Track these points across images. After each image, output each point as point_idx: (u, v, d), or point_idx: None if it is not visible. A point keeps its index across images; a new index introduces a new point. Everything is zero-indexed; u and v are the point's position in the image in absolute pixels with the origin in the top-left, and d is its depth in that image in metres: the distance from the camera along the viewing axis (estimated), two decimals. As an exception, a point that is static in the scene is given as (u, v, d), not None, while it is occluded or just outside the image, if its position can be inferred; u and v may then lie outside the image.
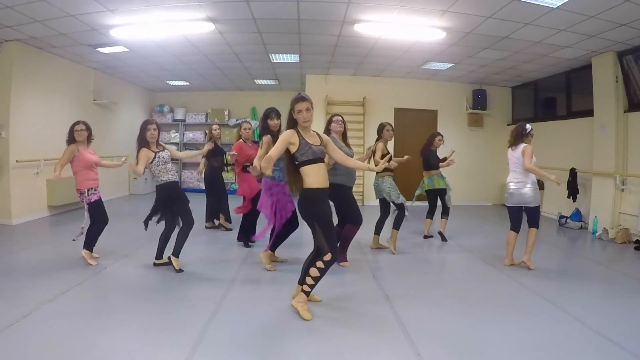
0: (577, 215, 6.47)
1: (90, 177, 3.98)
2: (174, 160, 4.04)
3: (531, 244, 4.11)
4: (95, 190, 4.01)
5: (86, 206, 4.00)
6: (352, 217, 3.98)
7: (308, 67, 7.71)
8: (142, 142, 3.75)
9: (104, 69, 7.73)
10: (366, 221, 6.91)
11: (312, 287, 2.88)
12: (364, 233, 5.64)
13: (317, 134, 2.96)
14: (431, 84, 8.63)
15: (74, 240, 4.21)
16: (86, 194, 3.95)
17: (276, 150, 2.74)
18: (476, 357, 2.39)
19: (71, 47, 6.05)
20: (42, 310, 2.86)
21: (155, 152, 3.76)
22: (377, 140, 4.65)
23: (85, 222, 4.08)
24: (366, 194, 8.56)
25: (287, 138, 2.77)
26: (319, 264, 2.82)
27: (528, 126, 4.12)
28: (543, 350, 2.46)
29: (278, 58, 7.01)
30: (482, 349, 2.48)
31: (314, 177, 2.80)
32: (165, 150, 3.91)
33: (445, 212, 5.30)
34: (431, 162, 5.20)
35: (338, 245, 4.06)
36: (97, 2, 4.34)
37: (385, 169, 4.55)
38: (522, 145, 4.03)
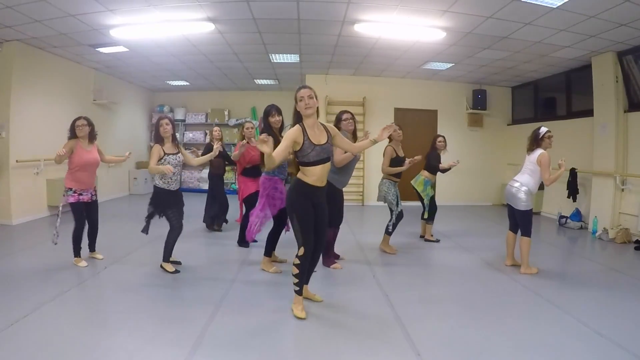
0: (577, 215, 6.47)
1: (77, 178, 3.87)
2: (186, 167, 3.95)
3: (525, 253, 3.97)
4: (75, 192, 3.86)
5: (60, 205, 3.91)
6: (335, 219, 3.90)
7: (308, 67, 7.71)
8: (157, 138, 3.74)
9: (104, 69, 7.74)
10: (366, 222, 6.96)
11: (298, 284, 2.88)
12: (364, 234, 5.65)
13: (325, 127, 2.87)
14: (431, 84, 8.63)
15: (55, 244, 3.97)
16: (65, 192, 3.87)
17: (280, 152, 2.68)
18: (476, 357, 2.39)
19: (71, 47, 6.06)
20: (42, 310, 2.86)
21: (166, 153, 3.69)
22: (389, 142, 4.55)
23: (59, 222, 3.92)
24: (366, 194, 8.56)
25: (293, 137, 2.72)
26: (295, 260, 2.84)
27: (542, 129, 3.94)
28: (543, 350, 2.46)
29: (278, 58, 7.01)
30: (482, 348, 2.48)
31: (311, 175, 2.78)
32: (179, 155, 3.80)
33: (429, 217, 5.22)
34: (430, 163, 5.16)
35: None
36: (97, 2, 4.34)
37: (394, 175, 4.51)
38: (539, 152, 3.87)
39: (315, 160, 2.75)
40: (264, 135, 2.49)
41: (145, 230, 3.79)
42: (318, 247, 2.96)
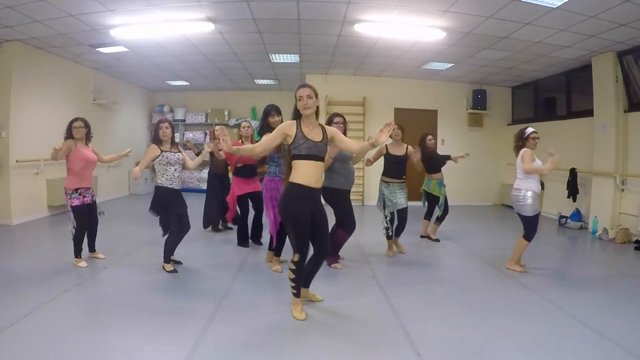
0: (577, 215, 6.47)
1: (80, 177, 3.84)
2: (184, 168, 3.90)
3: (516, 252, 4.03)
4: (80, 194, 3.86)
5: (69, 208, 3.88)
6: (346, 224, 3.87)
7: (308, 67, 7.72)
8: (156, 140, 3.73)
9: (104, 69, 7.74)
10: (366, 222, 6.95)
11: (295, 288, 2.87)
12: (364, 234, 5.65)
13: (323, 128, 2.79)
14: (431, 84, 8.63)
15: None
16: (69, 196, 3.84)
17: (264, 142, 2.71)
18: (476, 357, 2.39)
19: (71, 47, 6.06)
20: (42, 310, 2.86)
21: (162, 151, 3.68)
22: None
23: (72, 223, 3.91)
24: (366, 194, 8.57)
25: (284, 129, 2.69)
26: (290, 265, 2.82)
27: (528, 130, 3.98)
28: (543, 350, 2.46)
29: (278, 58, 7.02)
30: (482, 349, 2.48)
31: (302, 173, 2.67)
32: (178, 153, 3.77)
33: (440, 217, 5.24)
34: (440, 161, 5.12)
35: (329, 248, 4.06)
36: (97, 2, 4.34)
37: (394, 175, 4.42)
38: (522, 150, 3.93)
39: (307, 154, 2.65)
40: (219, 129, 2.57)
41: (165, 231, 3.84)
42: (322, 253, 2.90)
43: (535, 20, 4.65)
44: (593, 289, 3.63)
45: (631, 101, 5.74)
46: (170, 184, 3.70)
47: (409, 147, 4.51)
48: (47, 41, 5.74)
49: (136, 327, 2.68)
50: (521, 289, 3.57)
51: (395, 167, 4.41)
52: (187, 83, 9.37)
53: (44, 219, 6.29)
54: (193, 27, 5.18)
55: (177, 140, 10.02)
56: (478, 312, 3.04)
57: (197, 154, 5.87)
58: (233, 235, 5.12)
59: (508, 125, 8.92)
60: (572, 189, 6.45)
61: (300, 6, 4.57)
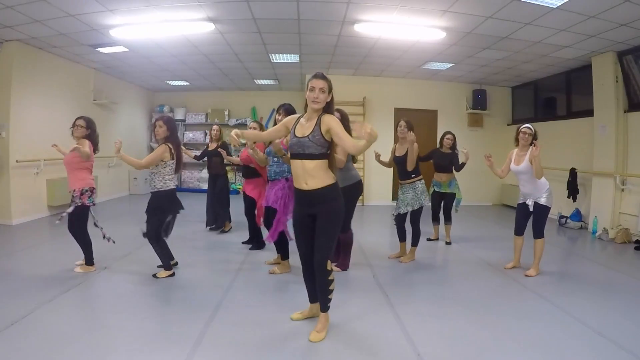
0: (577, 215, 6.47)
1: (91, 176, 3.84)
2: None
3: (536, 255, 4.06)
4: (73, 194, 3.69)
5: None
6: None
7: (308, 67, 7.71)
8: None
9: (104, 69, 7.74)
10: (366, 222, 6.95)
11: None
12: (364, 234, 5.65)
13: (319, 120, 2.45)
14: (431, 84, 8.63)
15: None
16: (90, 194, 3.75)
17: (271, 130, 2.73)
18: (476, 357, 2.39)
19: (71, 47, 6.06)
20: (41, 310, 2.85)
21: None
22: None
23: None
24: (366, 193, 8.56)
25: (286, 121, 2.62)
26: None
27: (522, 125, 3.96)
28: (543, 350, 2.46)
29: (278, 58, 7.02)
30: (482, 348, 2.48)
31: (293, 173, 2.52)
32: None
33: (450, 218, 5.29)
34: (443, 163, 5.09)
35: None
36: (97, 2, 4.34)
37: (400, 176, 4.31)
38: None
39: (292, 153, 2.48)
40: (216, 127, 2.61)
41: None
42: (312, 263, 2.58)
43: (535, 21, 4.65)
44: (593, 288, 3.63)
45: (631, 101, 5.74)
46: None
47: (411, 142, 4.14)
48: (47, 41, 5.74)
49: (136, 327, 2.68)
50: (521, 289, 3.57)
51: (399, 168, 4.29)
52: (187, 83, 9.37)
53: (44, 219, 6.29)
54: (193, 27, 5.18)
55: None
56: (478, 312, 3.04)
57: (198, 156, 5.89)
58: (233, 235, 5.12)
59: (508, 125, 8.92)
60: (572, 189, 6.45)
61: (300, 6, 4.57)
